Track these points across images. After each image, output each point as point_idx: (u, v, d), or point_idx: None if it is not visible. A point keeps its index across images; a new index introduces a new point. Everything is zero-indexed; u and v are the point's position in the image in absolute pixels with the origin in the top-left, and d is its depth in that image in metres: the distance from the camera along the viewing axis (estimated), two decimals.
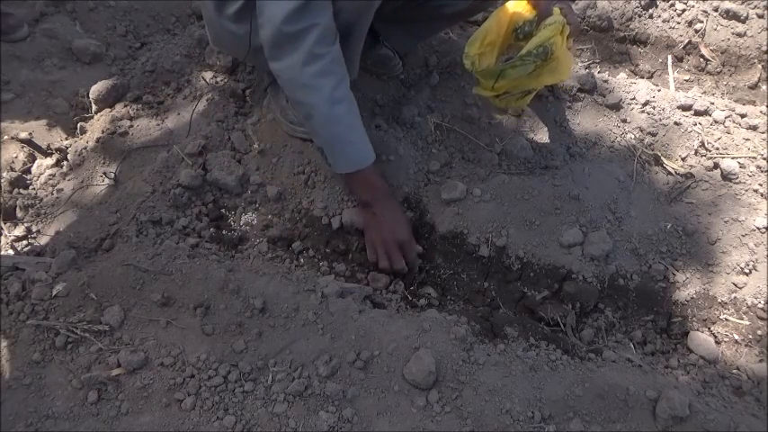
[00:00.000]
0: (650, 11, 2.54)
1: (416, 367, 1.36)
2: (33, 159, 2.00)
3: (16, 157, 1.98)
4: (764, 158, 1.92)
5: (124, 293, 1.49)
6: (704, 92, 2.40)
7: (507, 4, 1.66)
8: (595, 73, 2.22)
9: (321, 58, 1.50)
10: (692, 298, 1.70)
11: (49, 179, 1.92)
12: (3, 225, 1.81)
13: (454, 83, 2.09)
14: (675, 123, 2.01)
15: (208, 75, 2.09)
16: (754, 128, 2.03)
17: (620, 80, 2.18)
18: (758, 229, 1.77)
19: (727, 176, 1.88)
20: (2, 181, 1.90)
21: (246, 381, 1.38)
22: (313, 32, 1.47)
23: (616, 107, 2.07)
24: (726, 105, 2.11)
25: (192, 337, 1.44)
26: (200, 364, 1.40)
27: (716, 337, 1.65)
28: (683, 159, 1.95)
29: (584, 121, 2.05)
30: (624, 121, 2.04)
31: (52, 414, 1.32)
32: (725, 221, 1.80)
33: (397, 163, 1.85)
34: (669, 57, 2.48)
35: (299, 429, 1.31)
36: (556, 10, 1.58)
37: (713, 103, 2.09)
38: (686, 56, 2.51)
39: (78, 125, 2.06)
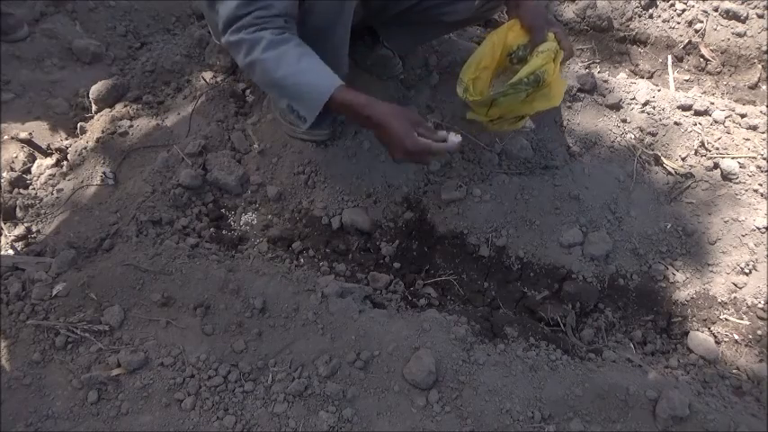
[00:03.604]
0: (650, 11, 2.54)
1: (416, 367, 1.36)
2: (33, 159, 2.00)
3: (16, 157, 1.98)
4: (764, 158, 1.92)
5: (124, 293, 1.49)
6: (704, 92, 2.40)
7: (501, 28, 1.67)
8: (595, 73, 2.22)
9: (257, 22, 1.47)
10: (692, 298, 1.70)
11: (49, 179, 1.92)
12: (3, 225, 1.81)
13: (454, 83, 2.07)
14: (675, 123, 2.01)
15: (208, 75, 2.09)
16: (754, 128, 2.03)
17: (620, 80, 2.17)
18: (758, 229, 1.77)
19: (727, 176, 1.88)
20: (2, 181, 1.90)
21: (246, 381, 1.38)
22: (253, 14, 1.46)
23: (616, 107, 2.07)
24: (726, 105, 2.11)
25: (191, 337, 1.44)
26: (200, 364, 1.40)
27: (716, 337, 1.65)
28: (683, 159, 1.95)
29: (585, 121, 2.05)
30: (624, 121, 2.04)
31: (52, 414, 1.32)
32: (725, 221, 1.80)
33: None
34: (669, 57, 2.48)
35: (299, 429, 1.31)
36: (550, 35, 1.58)
37: (713, 103, 2.09)
38: (686, 56, 2.50)
39: (78, 125, 2.06)
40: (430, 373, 1.36)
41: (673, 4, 2.53)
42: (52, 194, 1.86)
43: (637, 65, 2.52)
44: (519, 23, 1.64)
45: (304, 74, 1.45)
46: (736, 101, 2.34)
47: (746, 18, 2.47)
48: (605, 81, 2.13)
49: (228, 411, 1.33)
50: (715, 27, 2.48)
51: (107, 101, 2.07)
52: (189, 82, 2.12)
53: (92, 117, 2.09)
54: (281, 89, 1.51)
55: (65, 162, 1.95)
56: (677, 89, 2.34)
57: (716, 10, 2.49)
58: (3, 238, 1.76)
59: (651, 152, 1.96)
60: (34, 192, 1.90)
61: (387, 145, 1.51)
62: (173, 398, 1.35)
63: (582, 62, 2.51)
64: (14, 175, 1.92)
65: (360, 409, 1.35)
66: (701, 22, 2.48)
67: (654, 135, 2.00)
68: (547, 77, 1.52)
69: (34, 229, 1.79)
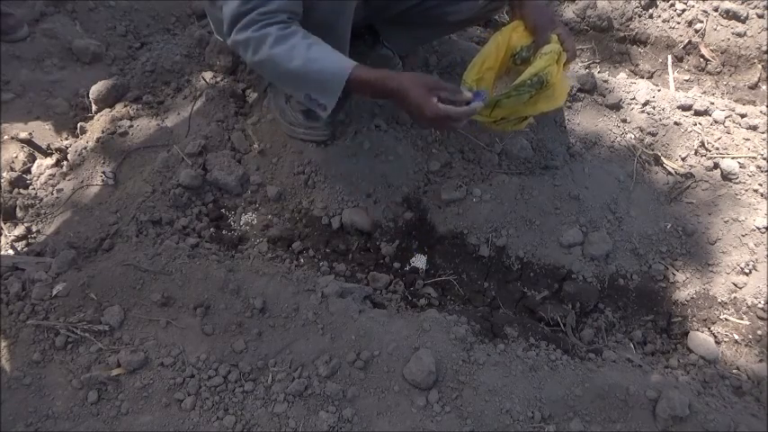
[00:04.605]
0: (650, 11, 2.54)
1: (416, 367, 1.36)
2: (33, 159, 2.00)
3: (16, 157, 1.98)
4: (764, 158, 1.92)
5: (124, 293, 1.49)
6: (704, 92, 2.40)
7: (505, 28, 1.66)
8: (595, 73, 2.22)
9: (261, 18, 1.48)
10: (692, 298, 1.70)
11: (49, 179, 1.92)
12: (3, 225, 1.81)
13: (454, 83, 2.09)
14: (675, 123, 2.01)
15: (208, 75, 2.09)
16: (754, 128, 2.03)
17: (620, 80, 2.18)
18: (758, 229, 1.77)
19: (727, 176, 1.88)
20: (2, 181, 1.89)
21: (246, 381, 1.38)
22: (256, 11, 1.47)
23: (616, 107, 2.07)
24: (726, 105, 2.11)
25: (192, 337, 1.44)
26: (201, 364, 1.40)
27: (716, 337, 1.65)
28: (683, 159, 1.95)
29: (585, 121, 2.05)
30: (624, 121, 2.04)
31: (52, 414, 1.32)
32: (725, 221, 1.80)
33: (397, 163, 1.85)
34: (669, 57, 2.48)
35: (299, 429, 1.31)
36: (553, 37, 1.58)
37: (713, 103, 2.09)
38: (686, 56, 2.51)
39: (78, 125, 2.06)
40: (430, 373, 1.36)
41: (673, 4, 2.53)
42: (52, 194, 1.86)
43: (637, 65, 2.52)
44: (523, 24, 1.64)
45: (318, 61, 1.46)
46: (736, 101, 2.34)
47: (746, 18, 2.47)
48: (605, 81, 2.13)
49: (228, 411, 1.33)
50: (715, 27, 2.48)
51: (107, 101, 2.07)
52: (189, 82, 2.12)
53: (92, 117, 2.09)
54: (297, 81, 1.50)
55: (65, 162, 1.95)
56: (677, 89, 2.34)
57: (716, 10, 2.49)
58: (3, 238, 1.76)
59: (651, 152, 1.96)
60: (34, 192, 1.89)
61: (410, 114, 1.50)
62: (173, 398, 1.35)
63: (582, 62, 2.51)
64: (14, 175, 1.92)
65: (360, 409, 1.35)
66: (701, 22, 2.48)
67: (654, 135, 2.00)
68: (550, 79, 1.53)
69: (34, 229, 1.79)
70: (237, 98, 2.04)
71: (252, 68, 1.53)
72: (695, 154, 1.96)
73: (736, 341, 1.63)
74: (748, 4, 2.50)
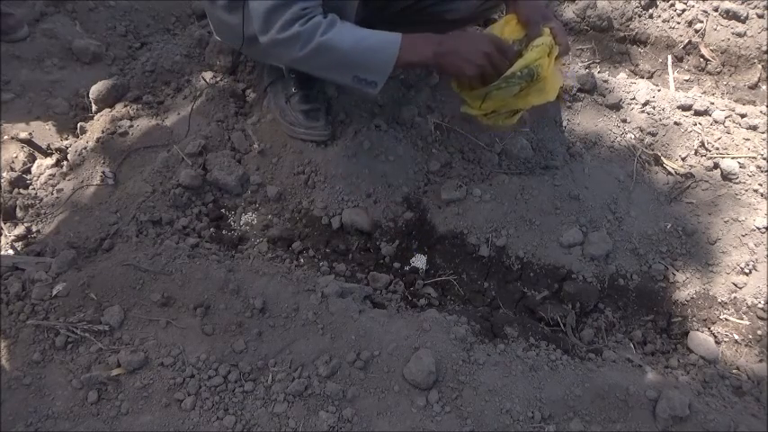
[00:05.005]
0: (650, 11, 2.54)
1: (416, 367, 1.36)
2: (33, 159, 2.00)
3: (16, 157, 1.98)
4: (764, 158, 1.92)
5: (124, 293, 1.49)
6: (704, 92, 2.40)
7: (497, 23, 1.66)
8: (595, 73, 2.22)
9: (305, 13, 1.51)
10: (692, 298, 1.70)
11: (49, 179, 1.92)
12: (3, 225, 1.81)
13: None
14: (675, 123, 2.01)
15: (208, 75, 2.09)
16: (754, 128, 2.03)
17: (620, 80, 2.18)
18: (758, 229, 1.77)
19: (727, 176, 1.88)
20: (2, 181, 1.89)
21: (246, 381, 1.38)
22: (298, 5, 1.50)
23: (616, 107, 2.07)
24: (726, 105, 2.11)
25: (192, 337, 1.44)
26: (200, 364, 1.40)
27: (716, 337, 1.65)
28: (683, 159, 1.95)
29: (585, 121, 2.05)
30: (624, 121, 2.04)
31: (52, 414, 1.32)
32: (725, 221, 1.80)
33: (397, 163, 1.85)
34: (669, 57, 2.48)
35: (299, 429, 1.31)
36: (545, 30, 1.57)
37: (713, 103, 2.09)
38: (686, 56, 2.51)
39: (78, 125, 2.06)
40: (430, 373, 1.36)
41: (673, 4, 2.53)
42: (52, 194, 1.86)
43: (637, 65, 2.52)
44: (516, 19, 1.64)
45: (367, 39, 1.52)
46: (736, 101, 2.34)
47: (746, 18, 2.47)
48: (605, 81, 2.13)
49: (228, 411, 1.33)
50: (715, 27, 2.48)
51: (107, 101, 2.07)
52: (189, 82, 2.12)
53: (92, 117, 2.09)
54: (348, 61, 1.53)
55: (65, 162, 1.95)
56: (677, 89, 2.34)
57: (716, 10, 2.49)
58: (3, 238, 1.76)
59: (651, 152, 1.96)
60: (34, 192, 1.89)
61: (461, 63, 1.51)
62: (173, 398, 1.35)
63: (582, 62, 2.51)
64: (14, 175, 1.92)
65: (360, 409, 1.35)
66: (701, 22, 2.47)
67: (654, 135, 2.00)
68: (541, 72, 1.52)
69: (34, 229, 1.79)
70: (237, 98, 2.04)
71: (296, 62, 1.57)
72: (695, 154, 1.96)
73: (736, 341, 1.63)
74: (748, 4, 2.50)
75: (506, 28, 1.64)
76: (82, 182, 1.86)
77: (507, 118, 1.71)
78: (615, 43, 2.55)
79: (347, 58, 1.51)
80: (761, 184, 1.86)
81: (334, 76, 1.61)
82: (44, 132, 2.06)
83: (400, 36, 1.50)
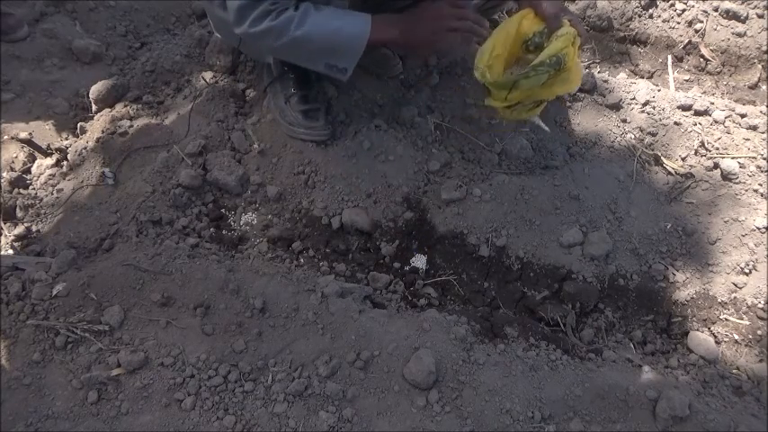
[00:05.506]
0: (650, 11, 2.54)
1: (416, 367, 1.36)
2: (33, 159, 2.00)
3: (16, 157, 1.98)
4: (764, 158, 1.92)
5: (124, 293, 1.49)
6: (704, 92, 2.40)
7: (514, 17, 1.67)
8: (595, 73, 2.22)
9: (275, 8, 1.55)
10: (692, 298, 1.70)
11: (49, 179, 1.92)
12: (3, 225, 1.81)
13: (454, 83, 2.09)
14: (675, 123, 2.01)
15: (208, 75, 2.09)
16: (754, 128, 2.03)
17: (620, 80, 2.18)
18: (758, 229, 1.77)
19: (727, 176, 1.88)
20: (2, 181, 1.90)
21: (246, 381, 1.38)
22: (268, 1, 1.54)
23: (616, 107, 2.07)
24: (726, 105, 2.11)
25: (192, 337, 1.44)
26: (200, 364, 1.40)
27: (716, 337, 1.65)
28: (683, 159, 1.95)
29: (584, 121, 2.05)
30: (624, 121, 2.04)
31: (52, 414, 1.32)
32: (725, 221, 1.80)
33: (397, 163, 1.85)
34: (669, 57, 2.48)
35: (299, 429, 1.31)
36: (566, 21, 1.60)
37: (713, 103, 2.09)
38: (686, 56, 2.50)
39: (78, 125, 2.06)
40: (430, 373, 1.36)
41: (673, 4, 2.53)
42: (52, 194, 1.86)
43: (637, 65, 2.52)
44: (532, 12, 1.64)
45: (338, 32, 1.57)
46: (736, 101, 2.34)
47: (746, 18, 2.47)
48: (605, 81, 2.13)
49: (228, 411, 1.33)
50: (715, 27, 2.48)
51: (107, 101, 2.07)
52: (189, 82, 2.12)
53: (92, 117, 2.09)
54: (321, 52, 1.60)
55: (65, 162, 1.95)
56: (677, 89, 2.34)
57: (716, 10, 2.49)
58: (3, 238, 1.76)
59: (651, 152, 1.96)
60: (34, 192, 1.89)
61: (429, 32, 1.58)
62: (173, 398, 1.35)
63: (582, 62, 2.51)
64: (14, 175, 1.92)
65: (360, 409, 1.35)
66: (701, 22, 2.47)
67: (654, 135, 2.00)
68: (568, 60, 1.54)
69: (34, 229, 1.79)
70: (237, 98, 2.04)
71: (273, 52, 1.70)
72: (695, 154, 1.96)
73: (736, 341, 1.63)
74: (748, 4, 2.50)
75: (525, 21, 1.64)
76: (82, 182, 1.86)
77: (531, 110, 1.72)
78: (615, 43, 2.55)
79: (320, 49, 1.59)
80: (761, 184, 1.86)
81: (306, 65, 1.69)
82: (44, 132, 2.06)
83: (369, 24, 1.57)
